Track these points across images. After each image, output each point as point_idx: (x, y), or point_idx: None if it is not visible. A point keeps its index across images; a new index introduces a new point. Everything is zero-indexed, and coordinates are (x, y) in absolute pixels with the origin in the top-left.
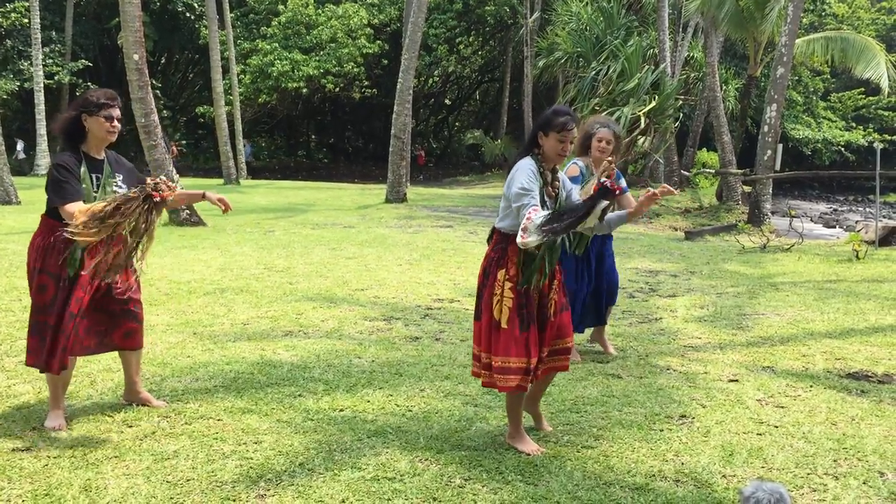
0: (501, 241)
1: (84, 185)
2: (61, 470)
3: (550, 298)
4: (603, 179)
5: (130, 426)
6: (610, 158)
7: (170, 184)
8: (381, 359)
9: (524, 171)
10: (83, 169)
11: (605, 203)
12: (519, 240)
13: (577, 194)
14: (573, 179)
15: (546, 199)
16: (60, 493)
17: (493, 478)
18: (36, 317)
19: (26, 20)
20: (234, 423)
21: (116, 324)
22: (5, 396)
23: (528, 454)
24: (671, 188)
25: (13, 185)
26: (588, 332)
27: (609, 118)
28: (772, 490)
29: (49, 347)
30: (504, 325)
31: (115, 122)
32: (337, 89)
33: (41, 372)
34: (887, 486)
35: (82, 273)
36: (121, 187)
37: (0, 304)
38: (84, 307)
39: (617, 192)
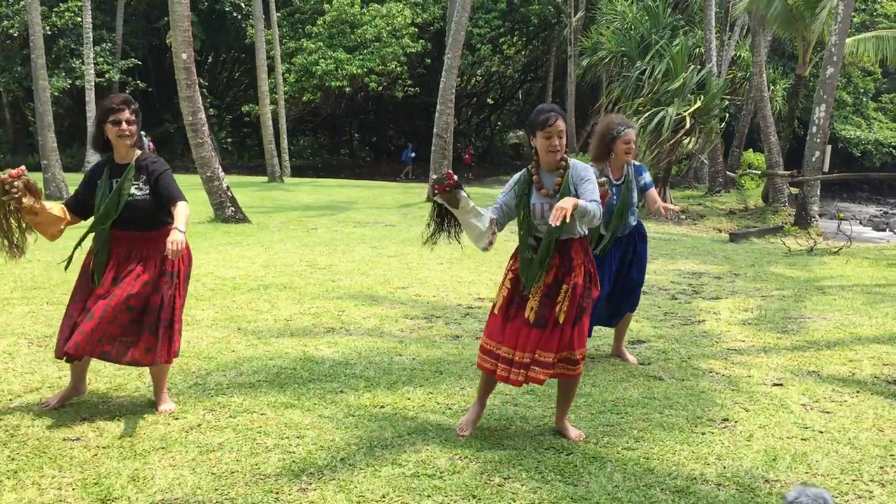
0: None
1: (100, 192)
2: (110, 460)
3: (559, 302)
4: (433, 176)
5: (177, 418)
6: (603, 180)
7: (13, 184)
8: (422, 357)
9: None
10: (104, 177)
11: (442, 196)
12: None
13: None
14: None
15: (540, 201)
16: (109, 483)
17: (533, 477)
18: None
19: (79, 19)
20: (277, 418)
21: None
22: (56, 388)
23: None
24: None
25: (65, 181)
26: (603, 339)
27: (623, 117)
28: (816, 495)
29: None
30: (496, 311)
31: (123, 126)
32: (380, 88)
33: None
34: None
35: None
36: (141, 189)
37: (52, 297)
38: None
39: (435, 189)
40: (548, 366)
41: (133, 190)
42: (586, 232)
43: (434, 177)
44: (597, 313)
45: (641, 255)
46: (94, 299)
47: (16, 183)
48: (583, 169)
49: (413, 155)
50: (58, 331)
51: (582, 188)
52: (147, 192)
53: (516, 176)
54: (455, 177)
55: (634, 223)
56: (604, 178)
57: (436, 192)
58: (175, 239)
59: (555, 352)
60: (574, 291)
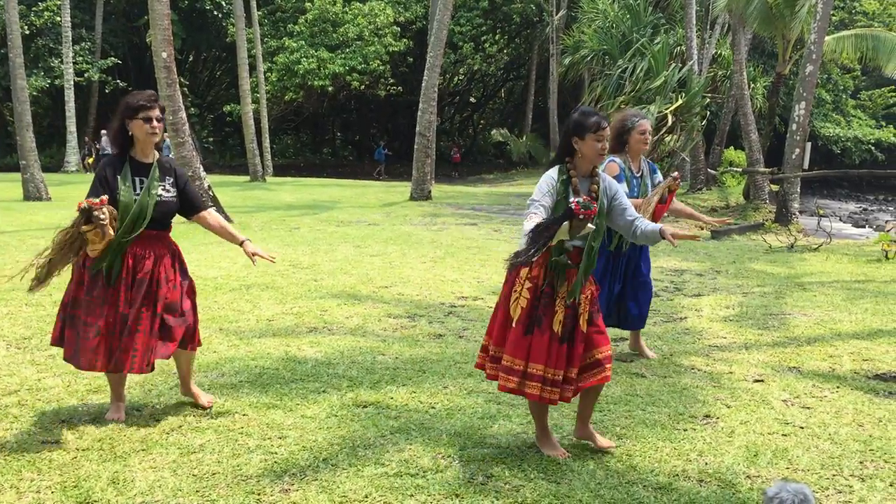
0: None
1: (124, 188)
2: (90, 462)
3: (581, 312)
4: (571, 200)
5: (157, 420)
6: (676, 174)
7: (103, 211)
8: (405, 356)
9: (542, 181)
10: (125, 172)
11: (576, 223)
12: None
13: (624, 195)
14: (616, 178)
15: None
16: (89, 486)
17: (516, 475)
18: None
19: (58, 18)
20: (259, 418)
21: None
22: (35, 390)
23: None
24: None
25: (44, 181)
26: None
27: (636, 109)
28: (796, 491)
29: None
30: (514, 325)
31: (154, 123)
32: (362, 87)
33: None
34: None
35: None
36: (168, 191)
37: (31, 298)
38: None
39: (581, 215)
40: (573, 381)
41: (160, 191)
42: None
43: (581, 199)
44: (605, 311)
45: (645, 249)
46: (137, 307)
47: (105, 210)
48: (612, 182)
49: (386, 152)
50: (80, 341)
51: (623, 203)
52: (174, 194)
53: (552, 175)
54: (596, 208)
55: None
56: (676, 174)
57: (580, 215)
58: (258, 252)
59: (578, 365)
60: (590, 295)
